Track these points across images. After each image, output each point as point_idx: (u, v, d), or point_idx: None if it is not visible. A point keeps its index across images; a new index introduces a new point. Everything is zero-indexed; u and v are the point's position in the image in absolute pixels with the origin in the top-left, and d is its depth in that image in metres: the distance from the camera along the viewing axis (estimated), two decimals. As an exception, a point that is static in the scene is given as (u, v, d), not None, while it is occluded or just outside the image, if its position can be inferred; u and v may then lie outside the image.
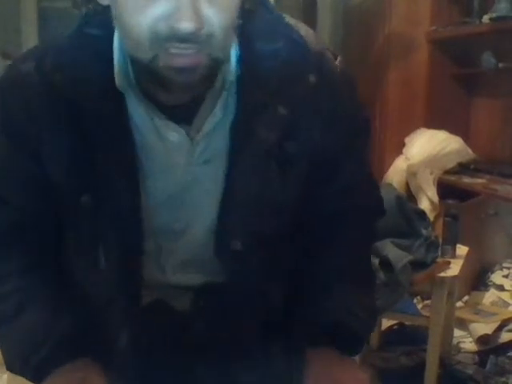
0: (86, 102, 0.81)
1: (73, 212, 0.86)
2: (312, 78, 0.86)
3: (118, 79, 0.81)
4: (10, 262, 0.88)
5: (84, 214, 0.85)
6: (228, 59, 0.82)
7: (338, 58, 0.92)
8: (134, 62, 0.79)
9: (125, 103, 0.83)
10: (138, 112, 0.83)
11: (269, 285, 0.92)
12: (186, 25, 0.70)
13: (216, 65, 0.77)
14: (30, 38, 3.50)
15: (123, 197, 0.84)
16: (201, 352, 0.93)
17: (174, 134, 0.83)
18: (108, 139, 0.83)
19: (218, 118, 0.84)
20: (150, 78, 0.78)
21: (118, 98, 0.82)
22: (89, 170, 0.83)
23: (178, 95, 0.80)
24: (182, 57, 0.73)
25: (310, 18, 3.69)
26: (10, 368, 0.85)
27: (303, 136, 0.86)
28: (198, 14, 0.71)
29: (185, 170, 0.86)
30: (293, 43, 0.86)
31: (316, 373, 0.82)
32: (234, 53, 0.83)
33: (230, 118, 0.84)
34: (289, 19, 0.90)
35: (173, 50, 0.73)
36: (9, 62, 0.90)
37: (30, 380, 0.83)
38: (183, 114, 0.83)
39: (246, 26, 0.83)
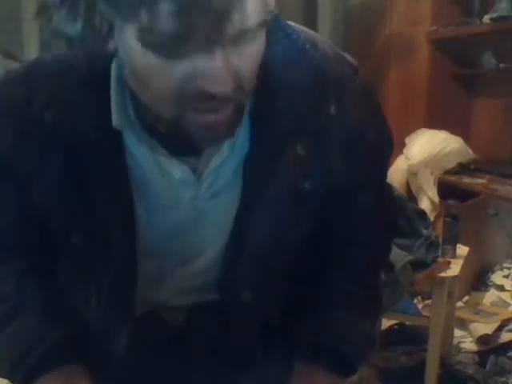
0: (79, 141, 0.76)
1: (63, 247, 0.84)
2: (332, 110, 0.80)
3: (115, 118, 0.74)
4: (8, 266, 0.86)
5: (74, 250, 0.82)
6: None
7: (359, 71, 0.85)
8: (139, 104, 0.72)
9: (123, 140, 0.77)
10: (139, 148, 0.78)
11: (270, 307, 0.91)
12: (222, 89, 0.62)
13: (241, 112, 0.70)
14: (31, 38, 3.49)
15: (117, 236, 0.80)
16: (199, 356, 0.93)
17: (178, 171, 0.78)
18: (102, 177, 0.78)
19: (225, 154, 0.78)
20: (174, 135, 0.71)
21: (116, 136, 0.76)
22: (81, 208, 0.79)
23: None
24: (210, 114, 0.66)
25: (311, 17, 3.69)
26: None
27: (321, 173, 0.82)
28: (232, 72, 0.62)
29: (190, 205, 0.82)
30: (312, 71, 0.79)
31: None
32: None
33: (240, 153, 0.79)
34: (306, 35, 0.82)
35: (200, 106, 0.65)
36: (11, 62, 0.86)
37: None
38: (189, 148, 0.76)
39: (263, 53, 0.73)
